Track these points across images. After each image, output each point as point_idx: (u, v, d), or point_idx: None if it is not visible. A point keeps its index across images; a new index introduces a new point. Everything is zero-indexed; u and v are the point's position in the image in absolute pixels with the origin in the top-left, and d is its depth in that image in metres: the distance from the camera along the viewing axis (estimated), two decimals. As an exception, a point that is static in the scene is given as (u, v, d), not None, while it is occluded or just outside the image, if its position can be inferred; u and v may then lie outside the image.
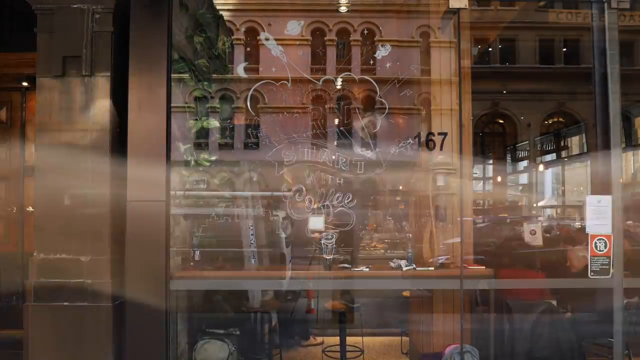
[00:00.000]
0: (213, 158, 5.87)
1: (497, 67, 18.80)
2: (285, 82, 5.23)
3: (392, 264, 5.23)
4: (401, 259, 5.24)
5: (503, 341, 5.24)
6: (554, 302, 5.41)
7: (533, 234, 5.58)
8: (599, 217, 4.65)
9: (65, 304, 4.49)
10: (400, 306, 6.76)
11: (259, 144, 5.45)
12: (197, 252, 5.20)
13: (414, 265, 5.11)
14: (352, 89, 5.63)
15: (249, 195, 6.06)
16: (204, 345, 5.20)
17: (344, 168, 5.28)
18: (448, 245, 5.29)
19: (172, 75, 4.70)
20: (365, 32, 9.58)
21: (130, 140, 4.51)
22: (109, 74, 4.64)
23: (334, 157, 5.33)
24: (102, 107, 4.63)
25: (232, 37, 6.41)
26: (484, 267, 5.06)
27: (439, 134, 5.31)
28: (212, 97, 5.81)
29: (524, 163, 20.76)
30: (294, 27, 5.40)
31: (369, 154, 5.32)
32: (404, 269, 5.06)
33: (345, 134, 5.50)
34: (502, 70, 18.82)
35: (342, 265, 5.28)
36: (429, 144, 5.28)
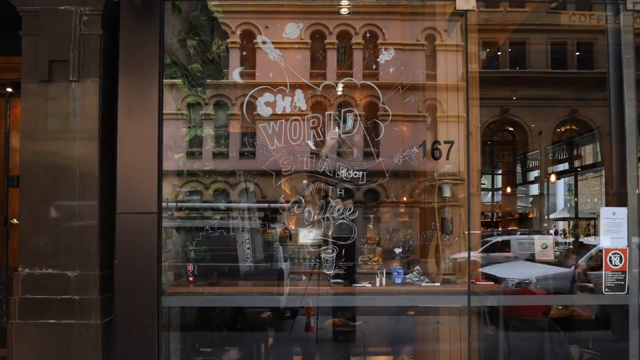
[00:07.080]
0: (207, 168, 5.89)
1: (506, 72, 18.80)
2: (284, 87, 5.26)
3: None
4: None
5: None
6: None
7: (544, 248, 5.60)
8: (614, 230, 4.66)
9: (52, 321, 4.50)
10: (405, 324, 6.75)
11: (256, 152, 5.46)
12: (191, 267, 5.20)
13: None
14: (353, 95, 5.65)
15: (245, 206, 6.06)
16: (197, 365, 5.19)
17: (345, 178, 5.29)
18: (455, 260, 5.29)
19: (164, 80, 4.72)
20: (368, 35, 9.59)
21: (120, 148, 4.53)
22: (97, 79, 4.67)
23: (334, 166, 5.34)
24: (90, 114, 4.65)
25: (227, 41, 6.44)
26: (492, 283, 5.07)
27: (445, 142, 5.32)
28: (206, 104, 5.84)
29: (535, 173, 20.74)
30: (293, 30, 5.42)
31: (371, 163, 5.33)
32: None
33: (347, 142, 5.51)
34: (512, 75, 18.83)
35: (342, 280, 5.27)
36: (434, 153, 5.30)
